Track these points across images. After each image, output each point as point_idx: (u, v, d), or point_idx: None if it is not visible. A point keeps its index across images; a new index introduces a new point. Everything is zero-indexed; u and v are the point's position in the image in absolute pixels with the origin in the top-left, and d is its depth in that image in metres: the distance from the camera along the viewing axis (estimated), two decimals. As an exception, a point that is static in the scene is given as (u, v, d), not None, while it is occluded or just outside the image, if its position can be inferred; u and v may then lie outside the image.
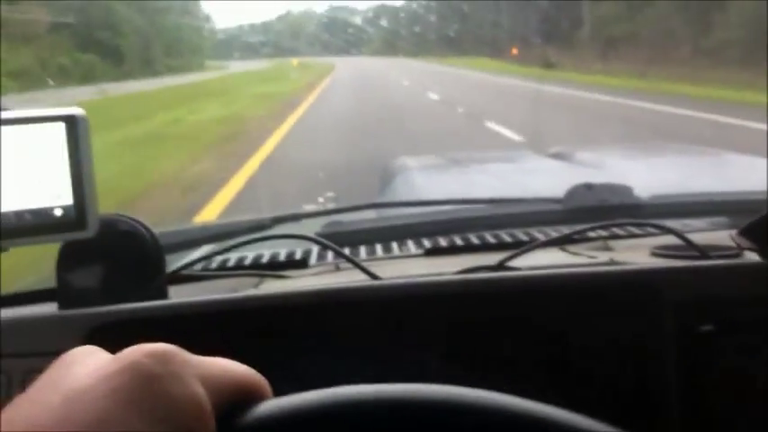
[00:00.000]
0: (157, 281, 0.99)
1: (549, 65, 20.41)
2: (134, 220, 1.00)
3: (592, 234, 1.26)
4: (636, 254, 1.14)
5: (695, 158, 2.34)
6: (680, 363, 0.81)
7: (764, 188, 1.49)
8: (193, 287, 1.18)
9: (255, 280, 1.18)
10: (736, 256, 1.07)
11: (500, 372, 0.88)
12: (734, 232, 0.95)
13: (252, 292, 1.08)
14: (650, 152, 2.77)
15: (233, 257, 1.34)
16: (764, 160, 2.10)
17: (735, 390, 0.82)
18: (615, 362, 0.84)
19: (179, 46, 26.17)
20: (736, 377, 0.81)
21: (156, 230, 1.01)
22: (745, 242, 0.88)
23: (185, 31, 26.77)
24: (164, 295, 1.00)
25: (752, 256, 0.95)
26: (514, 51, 25.60)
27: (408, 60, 37.43)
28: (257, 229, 1.32)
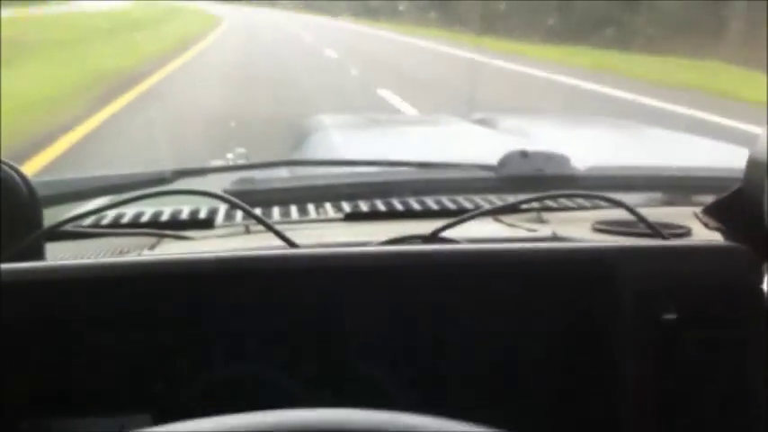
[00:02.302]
0: (32, 237, 0.84)
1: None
2: (7, 164, 0.84)
3: (526, 205, 1.17)
4: (578, 228, 1.05)
5: (625, 131, 2.28)
6: (640, 353, 0.72)
7: (697, 164, 1.43)
8: (78, 246, 1.03)
9: (152, 240, 1.03)
10: (687, 234, 0.99)
11: (431, 359, 0.78)
12: (683, 212, 0.87)
13: (145, 254, 0.94)
14: (580, 123, 2.71)
15: (128, 213, 1.19)
16: (692, 136, 2.07)
17: (699, 384, 0.73)
18: (559, 349, 0.75)
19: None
20: (700, 370, 0.73)
21: (38, 179, 0.86)
22: (710, 221, 0.79)
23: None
24: (40, 255, 0.85)
25: (705, 236, 0.87)
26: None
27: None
28: (157, 183, 1.17)
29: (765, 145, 0.74)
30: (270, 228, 0.87)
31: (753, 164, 0.75)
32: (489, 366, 0.78)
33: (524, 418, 0.76)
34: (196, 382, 0.76)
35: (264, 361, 0.77)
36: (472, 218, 0.92)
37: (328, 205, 1.28)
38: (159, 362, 0.76)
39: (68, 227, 0.98)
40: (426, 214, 1.21)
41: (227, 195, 0.96)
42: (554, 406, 0.77)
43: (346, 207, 1.26)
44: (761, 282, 0.75)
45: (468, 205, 1.24)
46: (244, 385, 0.77)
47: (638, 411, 0.73)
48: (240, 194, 1.13)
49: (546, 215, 1.17)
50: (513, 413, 0.76)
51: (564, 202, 1.25)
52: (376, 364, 0.78)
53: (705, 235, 0.87)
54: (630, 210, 0.89)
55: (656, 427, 0.73)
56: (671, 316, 0.72)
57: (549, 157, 1.25)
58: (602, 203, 1.06)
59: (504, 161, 1.24)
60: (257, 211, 1.20)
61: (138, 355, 0.75)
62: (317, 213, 1.26)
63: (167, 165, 1.26)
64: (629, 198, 1.26)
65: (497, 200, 1.25)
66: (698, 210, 0.81)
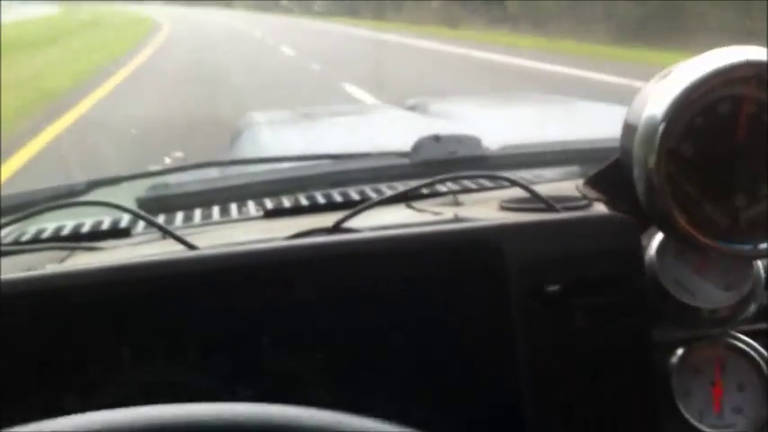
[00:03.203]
0: None
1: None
2: None
3: (440, 188, 1.19)
4: (484, 208, 1.07)
5: (548, 107, 2.32)
6: (529, 326, 0.74)
7: (615, 136, 1.46)
8: None
9: (64, 254, 1.03)
10: (585, 207, 1.02)
11: (330, 349, 0.79)
12: (580, 182, 0.89)
13: (49, 267, 0.94)
14: (504, 102, 2.74)
15: (48, 228, 1.19)
16: (617, 107, 2.10)
17: (586, 355, 0.76)
18: (458, 333, 0.77)
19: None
20: (586, 341, 0.75)
21: None
22: (592, 192, 0.82)
23: None
24: None
25: (601, 208, 0.90)
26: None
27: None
28: (71, 195, 1.17)
29: (636, 109, 0.75)
30: (168, 232, 0.88)
31: (625, 130, 0.77)
32: (391, 353, 0.79)
33: (428, 404, 0.77)
34: (108, 388, 0.77)
35: (174, 364, 0.78)
36: (373, 205, 0.93)
37: (251, 204, 1.29)
38: (69, 370, 0.76)
39: None
40: (345, 205, 1.22)
41: (124, 205, 0.97)
42: (456, 389, 0.79)
43: (269, 204, 1.27)
44: (638, 248, 0.77)
45: (388, 192, 1.26)
46: (157, 390, 0.78)
47: (536, 385, 0.75)
48: (155, 200, 1.14)
49: (460, 197, 1.19)
50: (417, 400, 0.78)
51: (480, 182, 1.28)
52: (285, 360, 0.79)
53: (598, 207, 0.90)
54: (523, 186, 0.92)
55: (554, 397, 0.76)
56: (554, 287, 0.74)
57: (460, 140, 1.28)
58: (510, 183, 1.08)
59: (417, 146, 1.27)
60: (179, 216, 1.21)
61: (46, 363, 0.76)
62: (240, 213, 1.27)
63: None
64: (540, 174, 1.29)
65: (413, 184, 1.27)
66: (580, 183, 0.84)
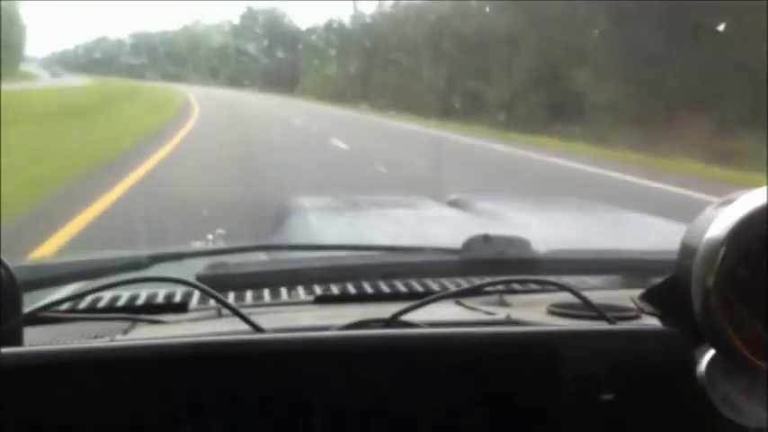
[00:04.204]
0: (11, 322, 0.88)
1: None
2: None
3: (488, 288, 1.22)
4: (533, 311, 1.10)
5: (593, 214, 2.36)
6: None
7: (660, 248, 1.49)
8: (55, 330, 1.07)
9: (126, 324, 1.07)
10: (635, 318, 1.04)
11: None
12: (635, 295, 0.92)
13: (118, 338, 0.98)
14: (549, 205, 2.79)
15: (104, 298, 1.23)
16: (660, 220, 2.13)
17: None
18: (513, 429, 0.79)
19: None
20: None
21: (14, 264, 0.90)
22: (647, 306, 0.85)
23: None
24: (18, 340, 0.89)
25: (650, 320, 0.93)
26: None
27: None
28: (133, 268, 1.21)
29: (696, 230, 0.79)
30: (237, 313, 0.91)
31: (684, 249, 0.81)
32: None
33: None
34: None
35: None
36: (428, 302, 0.97)
37: (300, 289, 1.33)
38: None
39: (46, 312, 1.02)
40: (393, 297, 1.25)
41: (195, 282, 1.01)
42: None
43: (318, 290, 1.30)
44: (691, 363, 0.80)
45: (435, 287, 1.29)
46: None
47: None
48: (213, 279, 1.18)
49: (507, 297, 1.22)
50: None
51: (529, 284, 1.31)
52: None
53: (649, 320, 0.93)
54: (576, 293, 0.95)
55: None
56: (608, 396, 0.76)
57: (510, 241, 1.31)
58: (560, 288, 1.11)
59: (468, 245, 1.30)
60: (230, 295, 1.25)
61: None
62: (290, 297, 1.31)
63: (145, 250, 1.30)
64: (586, 281, 1.32)
65: (463, 282, 1.30)
66: (635, 295, 0.87)
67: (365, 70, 30.94)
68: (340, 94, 31.73)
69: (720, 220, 0.75)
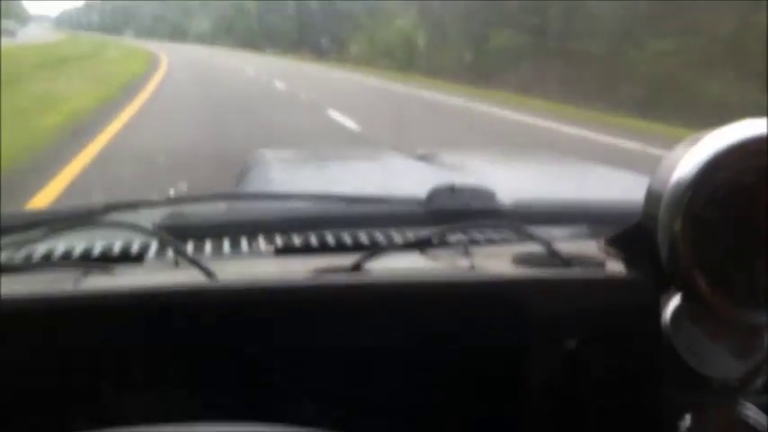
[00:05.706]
0: None
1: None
2: None
3: (452, 238, 1.20)
4: (498, 261, 1.08)
5: (561, 166, 2.35)
6: (542, 380, 0.75)
7: (628, 198, 1.48)
8: (6, 279, 1.03)
9: (77, 274, 1.04)
10: (601, 266, 1.03)
11: (350, 389, 0.80)
12: (600, 241, 0.90)
13: (66, 288, 0.95)
14: (516, 157, 2.77)
15: (57, 247, 1.19)
16: (628, 172, 2.13)
17: (597, 409, 0.76)
18: (472, 381, 0.77)
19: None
20: (601, 393, 0.76)
21: None
22: (612, 251, 0.83)
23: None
24: None
25: (616, 267, 0.91)
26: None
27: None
28: (86, 217, 1.17)
29: (662, 175, 0.77)
30: (192, 261, 0.88)
31: (650, 194, 0.79)
32: (406, 395, 0.80)
33: None
34: (116, 411, 0.77)
35: (184, 394, 0.78)
36: (391, 250, 0.94)
37: (261, 239, 1.30)
38: (81, 389, 0.76)
39: None
40: (356, 247, 1.23)
41: (153, 229, 0.98)
42: None
43: (279, 241, 1.27)
44: (656, 309, 0.78)
45: (397, 238, 1.26)
46: (162, 415, 0.78)
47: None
48: (172, 229, 1.14)
49: (472, 248, 1.20)
50: None
51: (490, 235, 1.29)
52: (299, 396, 0.80)
53: (614, 267, 0.91)
54: (541, 241, 0.93)
55: None
56: (573, 342, 0.75)
57: (476, 192, 1.29)
58: (526, 237, 1.09)
59: (433, 196, 1.28)
60: (189, 246, 1.22)
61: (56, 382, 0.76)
62: (250, 247, 1.28)
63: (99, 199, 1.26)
64: (552, 232, 1.30)
65: (426, 233, 1.27)
66: (600, 242, 0.85)
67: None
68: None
69: (685, 163, 0.73)
